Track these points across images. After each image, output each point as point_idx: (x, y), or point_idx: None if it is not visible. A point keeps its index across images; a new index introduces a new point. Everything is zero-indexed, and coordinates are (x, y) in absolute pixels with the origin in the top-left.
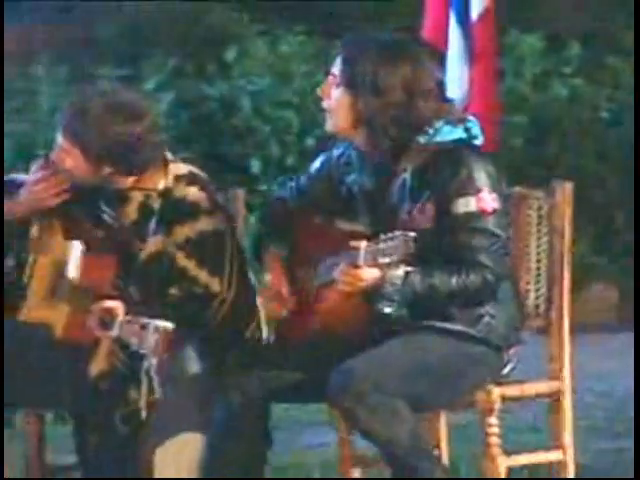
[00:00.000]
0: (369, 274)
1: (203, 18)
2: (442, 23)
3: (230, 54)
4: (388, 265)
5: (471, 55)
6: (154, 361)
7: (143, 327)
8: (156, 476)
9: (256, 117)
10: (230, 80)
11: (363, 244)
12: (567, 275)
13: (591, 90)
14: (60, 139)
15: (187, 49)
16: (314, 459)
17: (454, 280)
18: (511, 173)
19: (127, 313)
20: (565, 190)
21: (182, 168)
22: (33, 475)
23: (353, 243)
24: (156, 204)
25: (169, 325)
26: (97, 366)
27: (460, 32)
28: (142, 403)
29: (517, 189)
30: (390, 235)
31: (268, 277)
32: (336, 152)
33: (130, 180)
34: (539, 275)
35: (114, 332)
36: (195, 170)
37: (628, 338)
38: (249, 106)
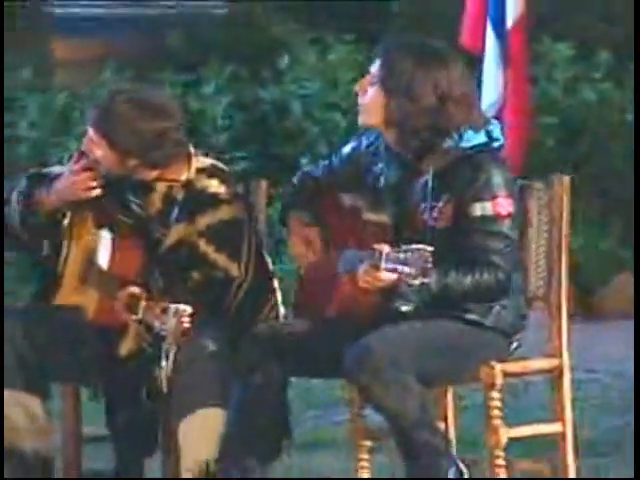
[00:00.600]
0: (388, 277)
1: (259, 28)
2: (479, 30)
3: (283, 61)
4: (407, 275)
5: (505, 60)
6: (173, 342)
7: (164, 310)
8: (180, 447)
9: (306, 119)
10: (282, 85)
11: (386, 249)
12: (565, 260)
13: (618, 94)
14: (90, 131)
15: (243, 56)
16: (342, 435)
17: (468, 280)
18: (542, 171)
19: (151, 298)
20: (563, 182)
21: (204, 161)
22: (69, 445)
23: (377, 246)
24: (179, 195)
25: (188, 308)
26: (126, 347)
27: (495, 39)
28: (163, 381)
29: (519, 181)
30: (412, 247)
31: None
32: (365, 141)
33: (154, 173)
34: (539, 261)
35: (138, 316)
36: (216, 163)
37: None
38: (300, 109)
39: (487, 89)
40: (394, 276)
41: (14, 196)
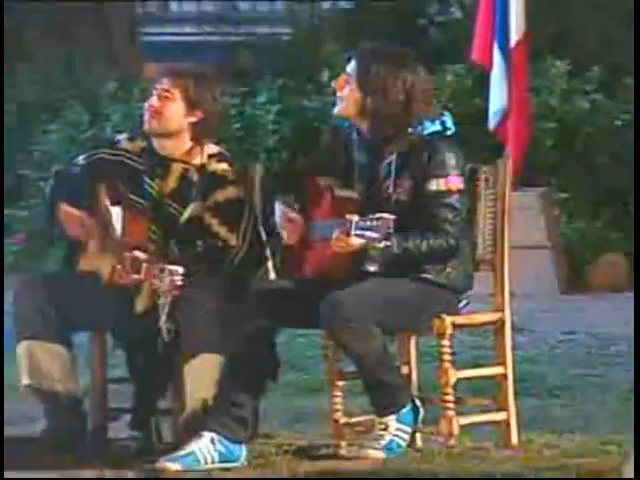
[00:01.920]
0: (357, 242)
1: (307, 49)
2: (488, 48)
3: (324, 75)
4: (373, 239)
5: (510, 74)
6: (168, 298)
7: (161, 271)
8: (185, 386)
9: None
10: (323, 96)
11: (355, 218)
12: (507, 230)
13: (608, 104)
14: (165, 83)
15: (291, 71)
16: None
17: (424, 244)
18: (541, 167)
19: (151, 261)
20: (506, 166)
21: (214, 148)
22: (96, 385)
23: (348, 216)
24: (194, 176)
25: (180, 269)
26: (141, 304)
27: (501, 55)
28: (163, 330)
29: (470, 165)
30: (377, 216)
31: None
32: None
33: (182, 145)
34: (486, 231)
35: (140, 275)
36: (223, 150)
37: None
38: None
39: (494, 98)
40: (362, 241)
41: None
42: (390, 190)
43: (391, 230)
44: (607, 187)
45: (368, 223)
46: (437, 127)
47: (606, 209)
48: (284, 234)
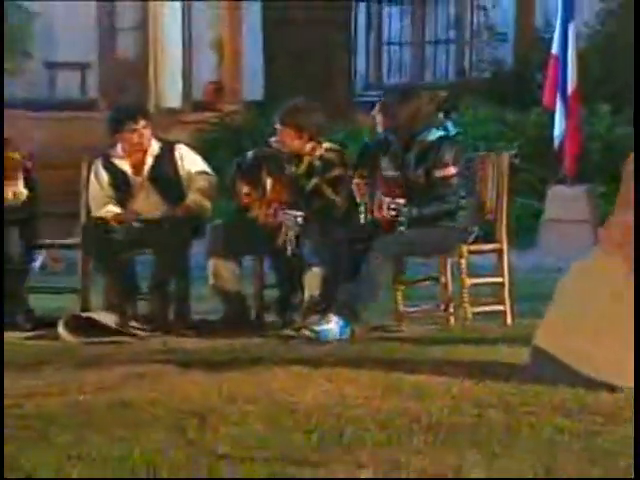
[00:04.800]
0: (389, 213)
1: None
2: (553, 95)
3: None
4: (397, 212)
5: (567, 112)
6: (292, 232)
7: (295, 217)
8: (304, 287)
9: None
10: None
11: (387, 199)
12: (504, 197)
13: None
14: (279, 126)
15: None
16: None
17: (434, 209)
18: (589, 174)
19: (284, 209)
20: (505, 157)
21: (327, 144)
22: (256, 288)
23: (383, 197)
24: (317, 162)
25: (300, 214)
26: (281, 239)
27: (561, 101)
28: (289, 249)
29: (482, 153)
30: (398, 200)
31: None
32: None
33: (308, 147)
34: (491, 198)
35: (278, 218)
36: (332, 145)
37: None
38: None
39: (557, 128)
40: (393, 213)
41: None
42: (411, 177)
43: (404, 209)
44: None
45: (393, 205)
46: (441, 132)
47: None
48: (358, 196)
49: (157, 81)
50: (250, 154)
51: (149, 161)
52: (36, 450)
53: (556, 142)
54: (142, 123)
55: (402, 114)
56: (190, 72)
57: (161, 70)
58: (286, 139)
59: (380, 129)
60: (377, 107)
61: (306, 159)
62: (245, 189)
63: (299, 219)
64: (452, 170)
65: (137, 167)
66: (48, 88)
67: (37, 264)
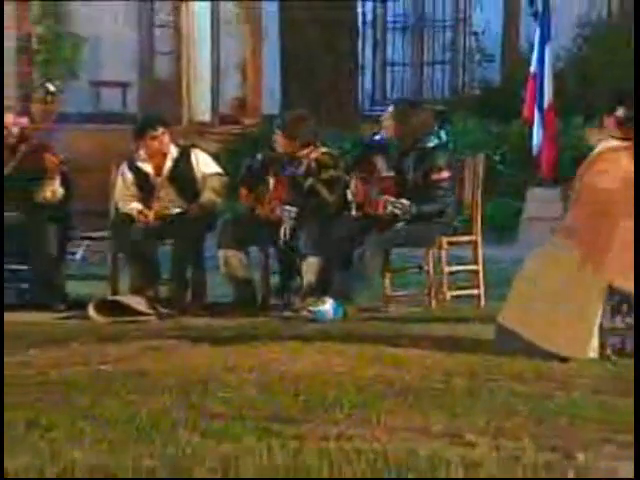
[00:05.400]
0: (392, 211)
1: None
2: (532, 108)
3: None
4: (400, 211)
5: (544, 124)
6: (288, 224)
7: (290, 212)
8: (302, 275)
9: None
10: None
11: (391, 199)
12: (479, 194)
13: None
14: (276, 131)
15: None
16: None
17: (430, 207)
18: (565, 179)
19: (281, 205)
20: (480, 160)
21: (324, 149)
22: (263, 275)
23: (388, 197)
24: (313, 164)
25: (295, 209)
26: (282, 232)
27: (539, 114)
28: (287, 236)
29: (463, 157)
30: (402, 200)
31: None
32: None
33: (304, 151)
34: (468, 196)
35: (276, 213)
36: (328, 149)
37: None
38: None
39: (535, 138)
40: (397, 211)
41: None
42: (410, 179)
43: (408, 207)
44: None
45: (398, 204)
46: (436, 141)
47: None
48: (357, 195)
49: (189, 98)
50: (259, 156)
51: (168, 164)
52: (55, 411)
53: (535, 150)
54: (161, 130)
55: (411, 123)
56: (217, 90)
57: (193, 88)
58: (280, 143)
59: (387, 134)
60: (387, 114)
61: (305, 161)
62: (244, 192)
63: (292, 214)
64: (445, 174)
65: (158, 169)
66: (93, 104)
67: (78, 256)
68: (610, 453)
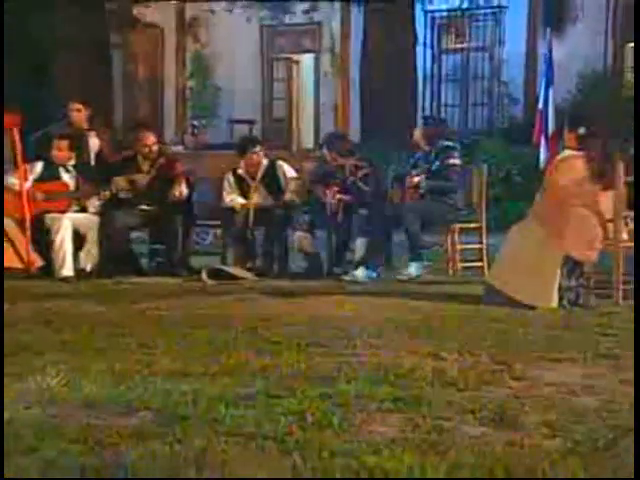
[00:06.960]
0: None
1: None
2: (540, 134)
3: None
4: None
5: (548, 147)
6: (343, 209)
7: (340, 200)
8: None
9: None
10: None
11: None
12: (484, 192)
13: None
14: (325, 150)
15: None
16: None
17: (444, 184)
18: None
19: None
20: (484, 168)
21: (358, 155)
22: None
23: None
24: (352, 168)
25: (345, 197)
26: (339, 218)
27: (545, 140)
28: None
29: (471, 166)
30: (422, 177)
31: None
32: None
33: (344, 160)
34: (475, 195)
35: (334, 200)
36: (361, 156)
37: None
38: None
39: (542, 157)
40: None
41: None
42: (433, 166)
43: (424, 182)
44: None
45: (417, 179)
46: (448, 143)
47: None
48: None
49: (298, 131)
50: (325, 166)
51: (261, 171)
52: (161, 336)
53: (541, 166)
54: (258, 148)
55: (434, 136)
56: (318, 125)
57: (300, 124)
58: (326, 155)
59: (422, 144)
60: (417, 134)
61: (347, 167)
62: (318, 190)
63: (341, 202)
64: (457, 161)
65: (253, 175)
66: (227, 136)
67: (208, 240)
68: (540, 366)
